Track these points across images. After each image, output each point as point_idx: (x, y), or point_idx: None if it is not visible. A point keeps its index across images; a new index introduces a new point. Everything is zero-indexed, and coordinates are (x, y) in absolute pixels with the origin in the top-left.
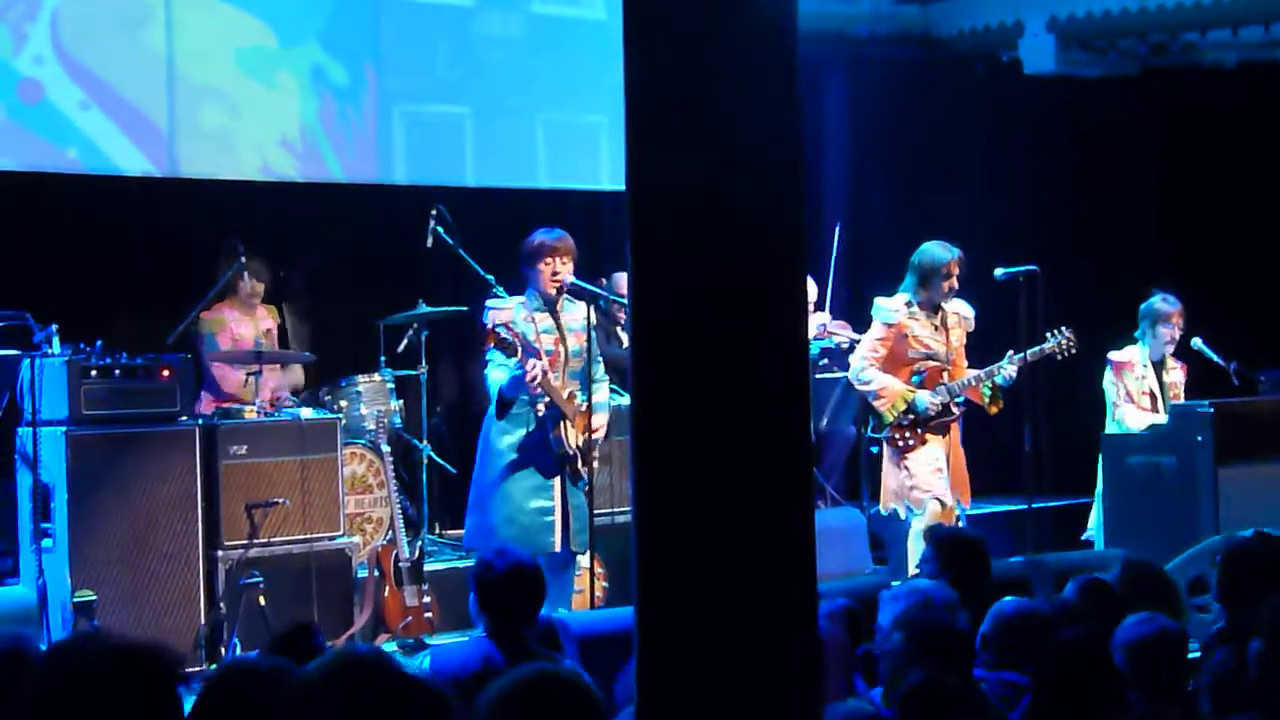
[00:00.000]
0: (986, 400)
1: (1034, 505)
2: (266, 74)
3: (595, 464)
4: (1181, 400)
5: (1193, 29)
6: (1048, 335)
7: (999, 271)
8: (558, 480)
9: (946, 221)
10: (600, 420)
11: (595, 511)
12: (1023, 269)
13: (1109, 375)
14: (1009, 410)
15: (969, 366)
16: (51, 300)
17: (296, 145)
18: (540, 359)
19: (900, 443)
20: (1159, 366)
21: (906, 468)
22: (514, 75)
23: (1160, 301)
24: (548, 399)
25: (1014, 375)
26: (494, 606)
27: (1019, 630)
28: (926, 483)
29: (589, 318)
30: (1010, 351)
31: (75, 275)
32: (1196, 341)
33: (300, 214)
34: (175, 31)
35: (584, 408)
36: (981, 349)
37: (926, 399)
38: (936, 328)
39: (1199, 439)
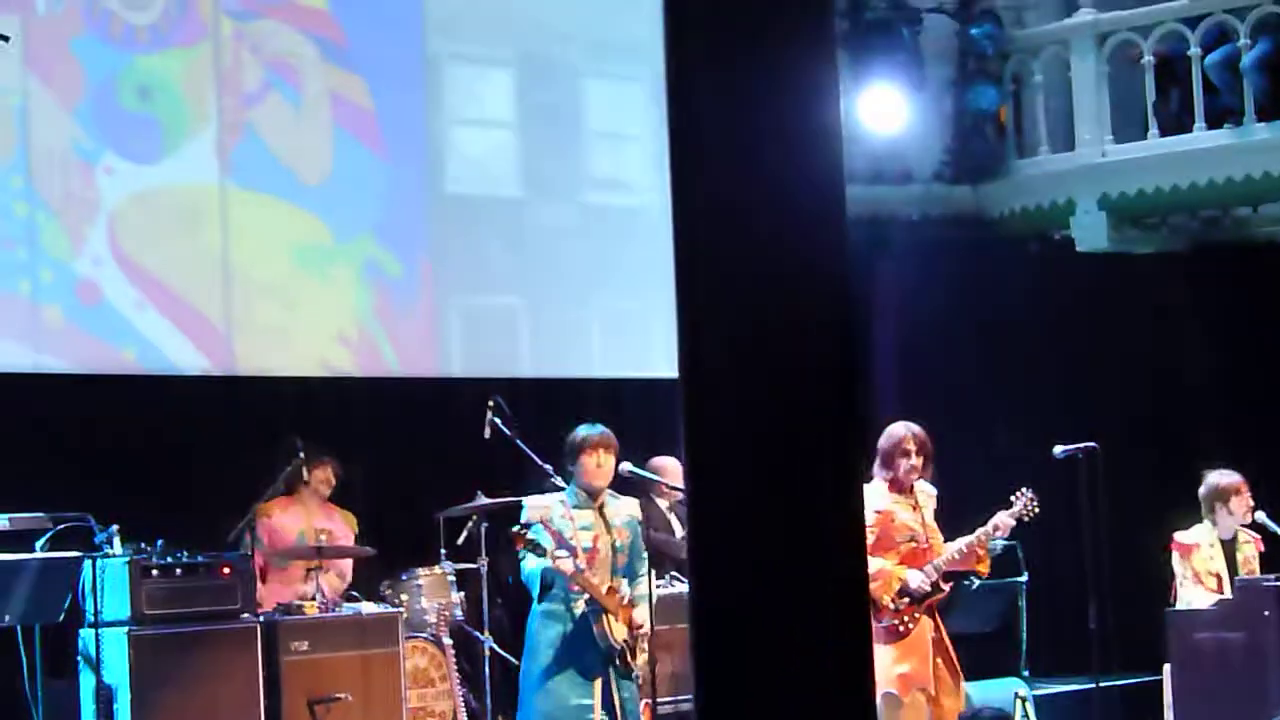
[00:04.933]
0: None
1: (1100, 684)
2: (322, 269)
3: (651, 653)
4: (1257, 574)
5: (1245, 204)
6: (1012, 499)
7: (1058, 449)
8: (601, 676)
9: (1003, 401)
10: (641, 615)
11: (659, 700)
12: (1082, 446)
13: (1175, 557)
14: (1074, 587)
15: (944, 540)
16: (111, 500)
17: (353, 339)
18: (577, 556)
19: (900, 628)
20: (1229, 545)
21: (899, 651)
22: (567, 264)
23: (1220, 478)
24: (586, 595)
25: (1003, 540)
26: None
27: None
28: (917, 672)
29: (635, 513)
30: (993, 521)
31: (135, 475)
32: (1260, 516)
33: (358, 408)
34: (231, 230)
35: (626, 601)
36: (1042, 529)
37: (918, 578)
38: (913, 508)
39: (1266, 614)
